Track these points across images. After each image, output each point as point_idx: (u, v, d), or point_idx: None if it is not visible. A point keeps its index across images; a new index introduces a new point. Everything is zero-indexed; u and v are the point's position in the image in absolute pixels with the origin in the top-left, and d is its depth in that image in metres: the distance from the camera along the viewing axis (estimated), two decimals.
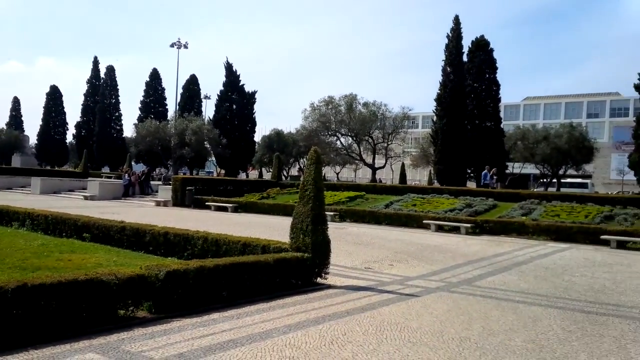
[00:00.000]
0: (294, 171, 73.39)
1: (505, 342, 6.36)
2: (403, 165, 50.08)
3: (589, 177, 66.61)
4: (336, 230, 16.83)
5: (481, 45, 46.20)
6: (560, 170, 52.71)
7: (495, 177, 31.35)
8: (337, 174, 74.85)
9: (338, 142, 60.70)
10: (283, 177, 50.40)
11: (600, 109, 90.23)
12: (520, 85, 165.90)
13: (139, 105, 71.81)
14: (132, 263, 9.04)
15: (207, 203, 27.63)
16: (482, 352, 5.94)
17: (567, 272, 11.78)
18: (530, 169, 58.63)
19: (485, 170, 31.08)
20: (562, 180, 54.71)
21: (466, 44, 45.16)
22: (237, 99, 61.71)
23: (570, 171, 54.65)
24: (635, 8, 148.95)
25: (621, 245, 16.86)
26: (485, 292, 9.30)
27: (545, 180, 57.07)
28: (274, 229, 16.78)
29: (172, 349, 5.57)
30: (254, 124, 63.77)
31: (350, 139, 58.73)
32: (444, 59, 43.68)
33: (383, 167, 59.04)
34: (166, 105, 73.68)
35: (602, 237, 17.19)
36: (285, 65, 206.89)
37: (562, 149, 48.80)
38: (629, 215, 19.79)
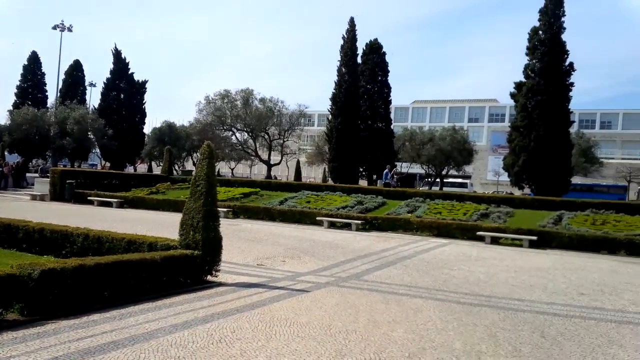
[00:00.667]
0: (187, 166, 71.35)
1: (389, 333, 6.65)
2: (298, 162, 50.66)
3: (469, 177, 71.85)
4: (229, 227, 16.58)
5: (375, 48, 47.98)
6: (443, 171, 56.33)
7: (395, 177, 32.94)
8: (232, 169, 73.96)
9: (233, 137, 60.01)
10: (175, 172, 48.76)
11: (480, 114, 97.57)
12: (409, 89, 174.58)
13: (15, 91, 65.96)
14: (1, 262, 8.25)
15: (89, 198, 25.99)
16: (367, 343, 6.16)
17: (446, 266, 12.59)
18: (416, 168, 61.92)
19: (387, 170, 32.57)
20: (445, 180, 58.56)
21: (361, 46, 46.70)
22: (125, 88, 58.66)
23: (452, 171, 58.61)
24: (505, 25, 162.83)
25: (495, 241, 18.35)
26: (372, 286, 9.67)
27: (429, 179, 60.69)
28: (163, 226, 16.17)
29: (46, 353, 5.16)
30: (143, 115, 61.03)
31: (246, 134, 58.32)
32: (340, 59, 44.80)
33: (279, 163, 59.30)
34: (46, 92, 68.26)
35: (479, 233, 18.61)
36: (180, 55, 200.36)
37: (446, 151, 52.21)
38: (502, 213, 21.58)
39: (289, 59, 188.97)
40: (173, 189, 28.73)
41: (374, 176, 47.59)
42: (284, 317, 7.08)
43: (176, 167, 58.43)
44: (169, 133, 61.19)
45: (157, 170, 55.90)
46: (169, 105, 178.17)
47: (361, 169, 46.13)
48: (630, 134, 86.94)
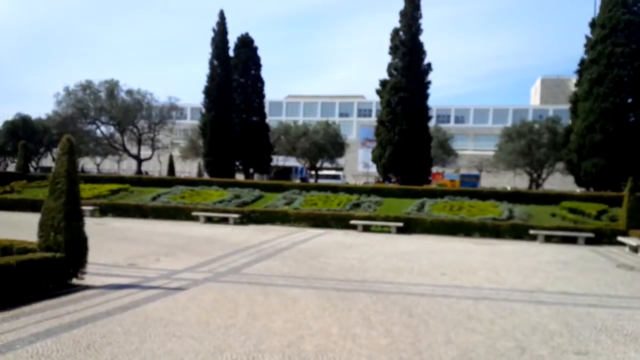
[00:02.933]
0: (46, 162, 65.23)
1: (268, 324, 6.69)
2: (171, 156, 48.80)
3: (341, 169, 74.49)
4: (96, 227, 15.53)
5: (246, 42, 47.66)
6: (317, 163, 57.79)
7: (307, 171, 33.40)
8: (98, 165, 69.11)
9: (98, 131, 55.97)
10: (32, 169, 44.42)
11: (350, 109, 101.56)
12: (283, 84, 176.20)
13: None
14: None
15: None
16: (247, 337, 6.15)
17: (322, 254, 12.97)
18: (292, 161, 62.81)
19: (302, 166, 32.93)
20: (320, 173, 60.13)
21: (232, 39, 46.14)
22: None
23: (326, 164, 60.39)
24: (371, 24, 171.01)
25: (366, 229, 19.26)
26: (252, 279, 9.65)
27: (309, 172, 62.01)
28: (20, 228, 14.70)
29: None
30: None
31: (112, 127, 54.69)
32: (211, 52, 43.87)
33: (150, 158, 56.57)
34: None
35: (351, 222, 19.42)
36: (33, 41, 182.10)
37: (319, 144, 53.61)
38: (372, 202, 22.71)
39: (159, 50, 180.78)
40: (30, 188, 26.20)
41: (251, 169, 47.46)
42: (159, 317, 6.81)
43: (33, 164, 53.23)
44: (23, 127, 55.35)
45: (12, 167, 50.43)
46: (21, 97, 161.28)
47: (237, 163, 45.70)
48: (480, 127, 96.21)
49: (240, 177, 43.95)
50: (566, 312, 7.80)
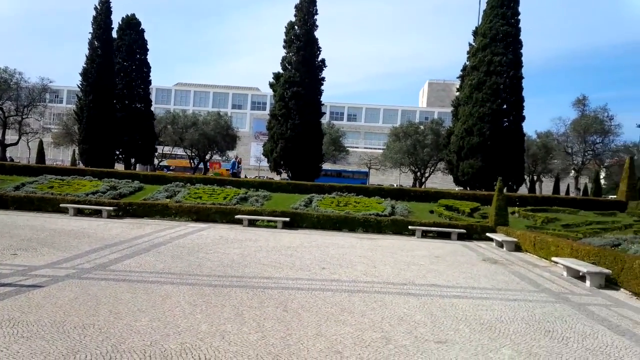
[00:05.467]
0: None
1: (132, 323, 6.25)
2: (41, 142, 44.96)
3: None
4: None
5: (132, 24, 45.18)
6: (207, 155, 56.33)
7: (240, 166, 32.43)
8: None
9: None
10: None
11: (243, 101, 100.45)
12: (174, 71, 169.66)
13: None
14: None
15: None
16: (106, 336, 5.68)
17: (202, 250, 12.53)
18: (179, 152, 60.69)
19: (234, 159, 31.95)
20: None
21: (117, 20, 43.50)
22: None
23: (216, 157, 59.08)
24: (267, 17, 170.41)
25: (252, 223, 19.00)
26: (120, 276, 9.02)
27: (193, 164, 60.12)
28: None
29: None
30: None
31: None
32: (92, 32, 41.00)
33: (16, 143, 51.57)
34: None
35: (237, 216, 19.06)
36: None
37: (209, 135, 52.28)
38: (260, 196, 22.50)
39: (31, 26, 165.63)
40: None
41: (132, 159, 45.07)
42: (7, 318, 6.12)
43: None
44: None
45: None
46: None
47: (118, 152, 43.17)
48: (370, 126, 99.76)
49: (120, 167, 41.55)
50: (432, 303, 8.16)
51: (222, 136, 53.51)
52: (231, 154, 64.61)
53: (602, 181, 57.13)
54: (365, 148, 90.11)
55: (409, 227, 18.96)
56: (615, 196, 30.49)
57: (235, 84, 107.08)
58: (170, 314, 6.78)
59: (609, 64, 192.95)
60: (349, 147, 70.13)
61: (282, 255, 12.30)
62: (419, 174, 56.50)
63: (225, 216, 19.36)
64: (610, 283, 10.54)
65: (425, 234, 18.90)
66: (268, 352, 5.51)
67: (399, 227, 19.16)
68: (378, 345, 5.91)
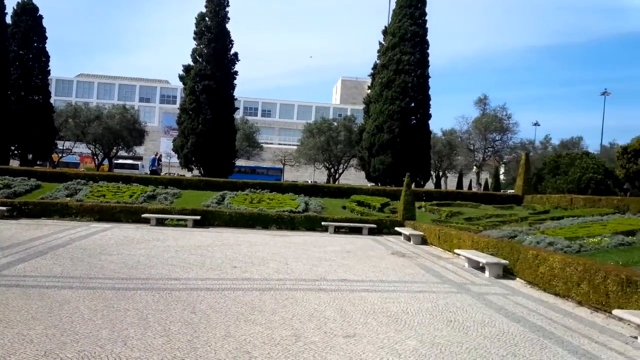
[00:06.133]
0: None
1: (24, 332, 5.79)
2: None
3: (140, 158, 70.51)
4: None
5: (28, 10, 42.03)
6: (112, 151, 53.66)
7: (161, 162, 30.59)
8: None
9: None
10: None
11: (152, 94, 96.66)
12: (76, 61, 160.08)
13: None
14: None
15: None
16: None
17: (105, 251, 11.89)
18: (82, 148, 57.38)
19: (154, 156, 30.13)
20: (115, 161, 55.96)
21: (11, 4, 40.21)
22: None
23: (122, 152, 56.43)
24: (176, 7, 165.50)
25: (160, 222, 18.34)
26: (12, 281, 8.33)
27: (97, 160, 57.08)
28: None
29: None
30: None
31: None
32: None
33: None
34: None
35: (144, 215, 18.30)
36: None
37: (115, 130, 49.84)
38: (169, 194, 21.76)
39: None
40: None
41: (30, 155, 41.99)
42: None
43: None
44: None
45: None
46: None
47: (13, 148, 40.01)
48: (285, 122, 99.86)
49: (16, 164, 38.58)
50: (342, 298, 8.28)
51: (129, 131, 51.16)
52: (139, 149, 62.01)
53: (501, 176, 61.15)
54: (279, 144, 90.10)
55: (322, 223, 19.17)
56: (512, 190, 32.70)
57: (143, 76, 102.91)
58: (68, 320, 6.35)
59: (507, 65, 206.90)
60: (263, 143, 69.81)
61: (191, 255, 11.96)
62: (332, 170, 57.41)
63: (132, 215, 18.53)
64: (507, 273, 11.25)
65: (337, 230, 19.20)
66: (173, 356, 5.31)
67: (313, 223, 19.31)
68: (288, 343, 5.89)
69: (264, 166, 69.95)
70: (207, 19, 38.66)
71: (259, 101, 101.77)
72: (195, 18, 38.94)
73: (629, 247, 11.29)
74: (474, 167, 61.39)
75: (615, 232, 12.59)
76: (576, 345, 6.36)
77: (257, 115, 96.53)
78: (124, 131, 50.26)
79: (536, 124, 69.12)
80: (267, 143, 79.46)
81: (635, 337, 6.72)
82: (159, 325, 6.36)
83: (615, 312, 7.11)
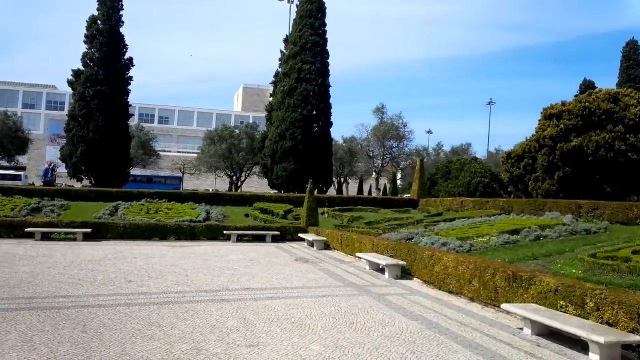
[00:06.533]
0: None
1: None
2: None
3: (23, 168, 65.06)
4: None
5: None
6: None
7: (55, 172, 27.51)
8: None
9: None
10: None
11: (37, 100, 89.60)
12: None
13: None
14: None
15: None
16: None
17: None
18: None
19: (46, 166, 26.92)
20: None
21: None
22: None
23: (3, 162, 51.77)
24: (64, 11, 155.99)
25: (46, 237, 17.00)
26: None
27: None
28: None
29: None
30: None
31: None
32: None
33: None
34: None
35: (27, 229, 16.85)
36: None
37: None
38: (56, 206, 20.24)
39: None
40: None
41: None
42: None
43: None
44: None
45: None
46: None
47: None
48: (184, 129, 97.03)
49: None
50: (245, 307, 8.12)
51: (10, 139, 47.07)
52: (22, 159, 57.28)
53: (399, 182, 63.76)
54: (178, 152, 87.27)
55: (224, 231, 18.78)
56: (409, 195, 34.20)
57: (27, 80, 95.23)
58: None
59: (403, 76, 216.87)
60: (160, 151, 67.18)
61: (81, 270, 11.16)
62: (234, 178, 56.64)
63: (13, 230, 16.99)
64: (405, 273, 11.68)
65: (240, 238, 18.91)
66: None
67: (214, 233, 18.86)
68: (188, 357, 5.65)
69: (162, 175, 67.40)
70: (99, 21, 36.64)
71: (156, 107, 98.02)
72: (87, 21, 36.74)
73: (514, 245, 12.18)
74: (374, 173, 63.52)
75: (501, 231, 13.54)
76: (469, 339, 6.71)
77: (154, 122, 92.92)
78: (5, 139, 46.15)
79: (429, 132, 73.14)
80: (165, 151, 76.65)
81: (521, 329, 7.22)
82: (45, 346, 5.84)
83: (503, 306, 7.61)
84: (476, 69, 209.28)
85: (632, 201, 18.63)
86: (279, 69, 41.86)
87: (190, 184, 71.35)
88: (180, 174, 68.97)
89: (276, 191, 39.36)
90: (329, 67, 40.37)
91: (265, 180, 44.46)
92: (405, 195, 41.54)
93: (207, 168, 57.66)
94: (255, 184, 67.44)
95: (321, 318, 7.56)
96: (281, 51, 42.05)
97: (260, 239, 18.94)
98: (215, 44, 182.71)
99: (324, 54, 39.96)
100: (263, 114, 55.87)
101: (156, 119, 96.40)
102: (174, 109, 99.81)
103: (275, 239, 19.03)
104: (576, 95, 25.74)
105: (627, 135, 20.96)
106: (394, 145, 60.14)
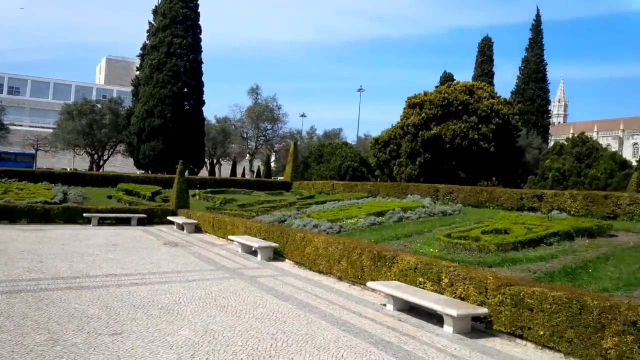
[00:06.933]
0: None
1: None
2: None
3: None
4: None
5: None
6: None
7: None
8: None
9: None
10: None
11: None
12: None
13: None
14: None
15: None
16: None
17: None
18: None
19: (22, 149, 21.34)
20: None
21: None
22: None
23: None
24: None
25: None
26: None
27: None
28: None
29: None
30: None
31: None
32: None
33: None
34: None
35: None
36: None
37: None
38: None
39: None
40: None
41: None
42: None
43: None
44: None
45: None
46: None
47: None
48: (38, 102, 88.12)
49: None
50: (108, 294, 7.64)
51: None
52: None
53: (273, 164, 64.12)
54: (31, 127, 79.18)
55: (84, 214, 17.47)
56: (282, 177, 34.54)
57: None
58: None
59: (279, 58, 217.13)
60: (9, 125, 60.47)
61: None
62: (96, 156, 52.78)
63: None
64: (278, 255, 11.81)
65: (102, 221, 17.74)
66: None
67: (73, 215, 17.45)
68: (43, 349, 5.18)
69: (12, 151, 60.75)
70: None
71: (5, 76, 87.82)
72: None
73: (380, 226, 12.86)
74: (247, 155, 63.12)
75: (368, 213, 14.22)
76: (337, 316, 6.97)
77: (2, 93, 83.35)
78: None
79: (303, 115, 73.89)
80: (15, 125, 69.12)
81: (385, 305, 7.67)
82: None
83: (369, 284, 8.02)
84: (347, 56, 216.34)
85: (483, 186, 20.59)
86: (148, 42, 39.64)
87: (45, 162, 65.23)
88: (33, 151, 62.70)
89: (143, 171, 37.55)
90: (202, 43, 39.16)
91: (131, 160, 42.18)
92: (279, 177, 41.92)
93: (65, 145, 53.00)
94: (120, 163, 63.52)
95: (191, 303, 7.36)
96: (150, 22, 39.82)
97: (126, 222, 17.93)
98: (76, 10, 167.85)
99: (196, 29, 38.65)
100: (129, 89, 52.54)
101: (5, 89, 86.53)
102: (26, 79, 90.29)
103: (142, 222, 18.14)
104: (437, 87, 27.79)
105: (480, 126, 23.10)
106: (269, 128, 60.23)
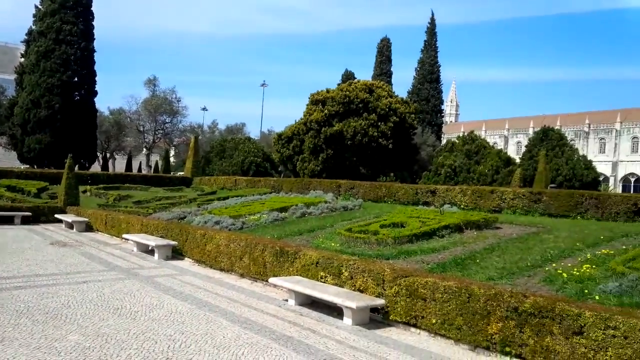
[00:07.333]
0: None
1: None
2: None
3: None
4: None
5: None
6: None
7: None
8: None
9: None
10: None
11: None
12: None
13: None
14: None
15: None
16: None
17: None
18: None
19: None
20: None
21: None
22: None
23: None
24: None
25: None
26: None
27: None
28: None
29: None
30: None
31: None
32: None
33: None
34: None
35: None
36: None
37: None
38: None
39: None
40: None
41: None
42: None
43: None
44: None
45: None
46: None
47: None
48: None
49: None
50: None
51: None
52: None
53: (172, 159, 61.86)
54: None
55: None
56: (182, 173, 33.47)
57: None
58: None
59: (179, 50, 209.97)
60: None
61: None
62: None
63: None
64: (177, 253, 11.42)
65: None
66: None
67: None
68: None
69: None
70: None
71: None
72: None
73: (283, 222, 12.88)
74: (144, 149, 60.45)
75: (272, 209, 14.18)
76: (238, 314, 6.88)
77: None
78: None
79: (204, 109, 72.22)
80: None
81: (287, 300, 7.69)
82: None
83: (271, 280, 8.00)
84: (251, 51, 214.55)
85: (382, 181, 21.34)
86: (34, 27, 36.62)
87: None
88: None
89: (28, 166, 34.70)
90: (94, 31, 36.90)
91: (14, 154, 38.88)
92: (179, 173, 40.62)
93: None
94: (1, 156, 58.26)
95: (81, 306, 6.91)
96: (36, 6, 36.81)
97: (8, 220, 16.46)
98: None
99: (89, 15, 36.38)
100: (12, 77, 48.21)
101: None
102: None
103: (26, 221, 16.76)
104: (339, 84, 28.36)
105: (379, 123, 23.92)
106: (167, 121, 58.08)
